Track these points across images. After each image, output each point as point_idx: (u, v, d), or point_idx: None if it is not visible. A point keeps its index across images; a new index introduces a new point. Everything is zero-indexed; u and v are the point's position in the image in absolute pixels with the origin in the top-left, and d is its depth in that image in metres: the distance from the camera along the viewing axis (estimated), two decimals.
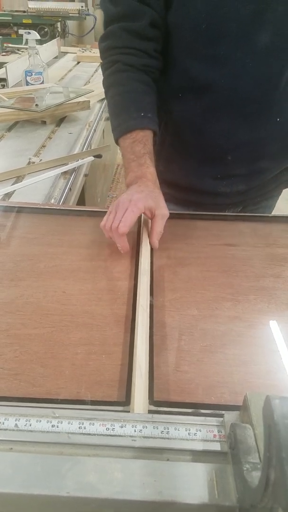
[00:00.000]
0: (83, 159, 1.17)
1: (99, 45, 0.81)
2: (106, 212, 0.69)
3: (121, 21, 0.75)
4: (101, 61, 0.83)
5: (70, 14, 5.11)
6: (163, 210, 0.69)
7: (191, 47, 0.76)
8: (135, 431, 0.36)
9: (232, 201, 0.95)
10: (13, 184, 0.98)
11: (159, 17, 0.74)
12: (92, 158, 1.19)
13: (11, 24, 4.54)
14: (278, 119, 0.81)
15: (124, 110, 0.76)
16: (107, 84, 0.81)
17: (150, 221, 0.71)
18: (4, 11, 4.28)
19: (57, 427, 0.36)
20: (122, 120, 0.76)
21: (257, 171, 0.90)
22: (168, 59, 0.80)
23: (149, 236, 0.70)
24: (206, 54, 0.74)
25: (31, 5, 5.05)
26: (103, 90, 0.85)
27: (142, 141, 0.74)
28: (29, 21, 4.65)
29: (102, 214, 0.81)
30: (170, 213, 0.76)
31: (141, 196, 0.66)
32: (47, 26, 4.92)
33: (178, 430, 0.36)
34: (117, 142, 0.78)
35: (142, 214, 0.77)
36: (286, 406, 0.23)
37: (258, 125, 0.82)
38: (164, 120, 0.86)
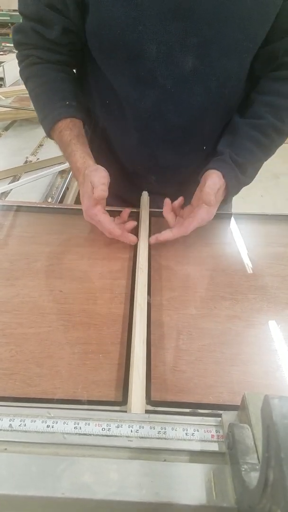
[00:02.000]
0: None
1: (12, 35, 0.75)
2: None
3: (31, 22, 0.69)
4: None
5: None
6: (95, 180, 0.63)
7: (111, 62, 0.69)
8: (131, 431, 0.35)
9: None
10: (10, 183, 0.97)
11: (73, 23, 0.67)
12: None
13: (9, 24, 4.54)
14: (204, 147, 0.79)
15: (47, 101, 0.73)
16: (24, 77, 0.76)
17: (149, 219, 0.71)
18: (2, 10, 4.28)
19: (52, 427, 0.36)
20: (47, 112, 0.72)
21: (185, 193, 0.80)
22: (93, 64, 0.72)
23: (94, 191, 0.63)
24: (126, 71, 0.69)
25: None
26: None
27: (68, 127, 0.71)
28: None
29: None
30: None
31: (86, 203, 0.65)
32: None
33: (176, 430, 0.35)
34: (49, 136, 0.75)
35: (141, 212, 0.78)
36: (285, 406, 0.22)
37: (182, 152, 0.79)
38: (94, 122, 0.82)
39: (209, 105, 0.72)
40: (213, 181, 0.65)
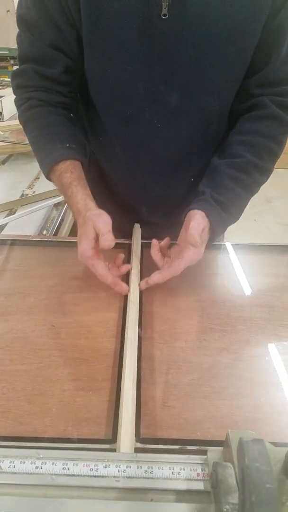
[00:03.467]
0: None
1: (11, 81, 0.77)
2: None
3: (34, 63, 0.70)
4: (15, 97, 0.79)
5: None
6: (98, 224, 0.62)
7: (102, 102, 0.74)
8: (118, 471, 0.36)
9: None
10: (6, 217, 1.00)
11: (75, 64, 0.70)
12: None
13: (8, 58, 4.69)
14: (192, 179, 0.82)
15: (47, 143, 0.72)
16: (23, 120, 0.76)
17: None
18: None
19: (41, 468, 0.36)
20: (46, 154, 0.71)
21: (176, 222, 0.83)
22: (86, 103, 0.78)
23: (100, 240, 0.62)
24: (116, 110, 0.73)
25: None
26: None
27: (68, 170, 0.70)
28: None
29: None
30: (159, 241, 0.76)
31: (80, 249, 0.63)
32: None
33: (162, 469, 0.36)
34: (48, 178, 0.74)
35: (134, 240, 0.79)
36: (258, 449, 0.23)
37: (171, 184, 0.82)
38: (88, 156, 0.85)
39: (195, 138, 0.75)
40: (197, 222, 0.65)
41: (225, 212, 0.69)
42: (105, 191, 0.90)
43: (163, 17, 0.61)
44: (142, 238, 0.83)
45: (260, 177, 0.72)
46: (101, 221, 0.63)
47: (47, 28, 0.66)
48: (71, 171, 0.70)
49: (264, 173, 0.73)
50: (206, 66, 0.66)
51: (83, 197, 0.68)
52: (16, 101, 0.77)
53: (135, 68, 0.66)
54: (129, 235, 0.86)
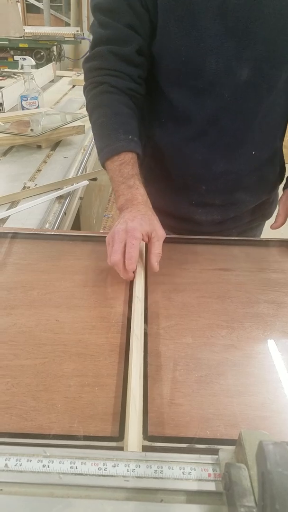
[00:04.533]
0: (78, 183, 1.18)
1: (84, 65, 0.81)
2: (99, 237, 0.69)
3: (109, 44, 0.75)
4: (85, 82, 0.82)
5: (66, 38, 5.24)
6: (158, 232, 0.68)
7: (173, 78, 0.78)
8: (127, 471, 0.35)
9: (208, 230, 0.95)
10: (7, 209, 0.98)
11: (146, 45, 0.75)
12: (87, 182, 1.20)
13: (8, 48, 4.64)
14: (253, 152, 0.85)
15: (112, 132, 0.75)
16: (92, 105, 0.80)
17: (145, 244, 0.71)
18: None
19: (48, 467, 0.35)
20: (110, 142, 0.74)
21: (232, 203, 0.92)
22: (153, 85, 0.82)
23: (148, 259, 0.67)
24: (187, 85, 0.77)
25: (28, 29, 5.16)
26: None
27: (130, 163, 0.73)
28: (26, 45, 4.75)
29: (96, 238, 0.82)
30: (166, 237, 0.76)
31: (135, 225, 0.64)
32: (43, 50, 5.03)
33: (172, 469, 0.35)
34: (103, 164, 0.77)
35: None
36: (279, 453, 0.23)
37: (234, 157, 0.84)
38: (143, 142, 0.86)
39: (261, 111, 0.79)
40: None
41: None
42: (161, 176, 0.92)
43: None
44: (195, 224, 0.91)
45: None
46: (162, 235, 0.68)
47: (122, 10, 0.71)
48: (132, 164, 0.73)
49: None
50: (279, 42, 0.70)
51: (145, 193, 0.72)
52: (86, 85, 0.81)
53: (207, 44, 0.70)
54: (181, 220, 0.93)
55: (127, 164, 0.73)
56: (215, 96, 0.76)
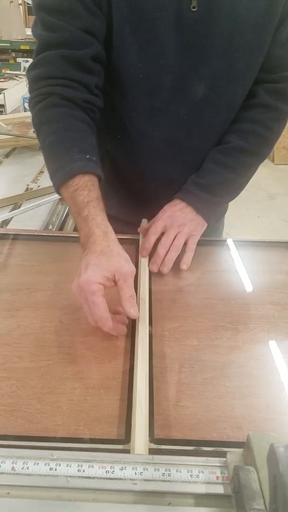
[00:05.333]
0: None
1: (28, 74, 0.68)
2: None
3: (60, 48, 0.63)
4: (30, 94, 0.69)
5: None
6: (122, 271, 0.54)
7: (128, 95, 0.72)
8: (135, 474, 0.35)
9: None
10: (11, 211, 0.98)
11: (103, 52, 0.66)
12: None
13: (9, 50, 4.66)
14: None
15: (64, 151, 0.62)
16: (39, 121, 0.66)
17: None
18: (1, 37, 4.38)
19: (55, 470, 0.35)
20: (62, 164, 0.62)
21: None
22: (108, 100, 0.73)
23: (122, 307, 0.55)
24: (142, 104, 0.73)
25: (29, 32, 5.17)
26: None
27: (86, 186, 0.61)
28: (27, 47, 4.76)
29: None
30: None
31: (88, 275, 0.52)
32: None
33: (180, 472, 0.35)
34: (58, 191, 0.64)
35: (140, 236, 0.78)
36: None
37: (194, 172, 0.81)
38: (101, 154, 0.81)
39: (218, 127, 0.78)
40: (163, 209, 0.75)
41: (206, 192, 0.75)
42: (121, 191, 0.89)
43: (193, 9, 0.62)
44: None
45: (246, 159, 0.77)
46: (127, 273, 0.54)
47: (75, 10, 0.61)
48: (89, 188, 0.61)
49: (252, 155, 0.77)
50: (234, 57, 0.68)
51: (103, 222, 0.58)
52: (32, 98, 0.67)
53: (165, 62, 0.67)
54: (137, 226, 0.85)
55: (82, 189, 0.60)
56: (171, 114, 0.73)
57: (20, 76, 2.65)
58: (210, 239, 0.84)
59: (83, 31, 0.62)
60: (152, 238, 0.72)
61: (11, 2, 3.76)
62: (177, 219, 0.73)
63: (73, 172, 0.61)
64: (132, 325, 0.59)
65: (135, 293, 0.55)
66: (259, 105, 0.75)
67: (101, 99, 0.71)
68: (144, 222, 0.85)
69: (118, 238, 0.58)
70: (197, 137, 0.77)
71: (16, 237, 0.82)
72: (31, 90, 0.67)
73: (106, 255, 0.54)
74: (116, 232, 0.59)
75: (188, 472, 0.35)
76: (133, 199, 0.89)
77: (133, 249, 0.78)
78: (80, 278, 0.52)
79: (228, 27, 0.64)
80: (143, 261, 0.71)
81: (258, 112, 0.75)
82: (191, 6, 0.62)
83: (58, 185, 0.62)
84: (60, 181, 0.62)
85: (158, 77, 0.68)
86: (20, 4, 4.22)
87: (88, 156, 0.62)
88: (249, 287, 0.69)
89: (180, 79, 0.69)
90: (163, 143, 0.78)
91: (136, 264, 0.71)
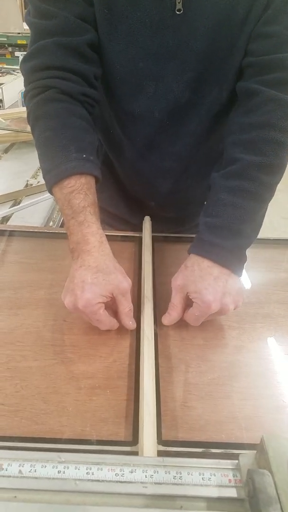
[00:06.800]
0: None
1: (23, 66, 0.63)
2: (106, 235, 0.67)
3: (55, 36, 0.59)
4: (25, 88, 0.65)
5: None
6: (120, 286, 0.53)
7: (112, 99, 0.70)
8: (146, 477, 0.34)
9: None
10: (10, 207, 0.97)
11: (97, 41, 0.63)
12: None
13: (6, 45, 4.60)
14: (200, 170, 0.80)
15: (61, 149, 0.58)
16: (35, 116, 0.62)
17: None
18: None
19: (64, 473, 0.34)
20: (57, 163, 0.58)
21: (186, 215, 0.89)
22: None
23: (119, 320, 0.56)
24: (122, 109, 0.70)
25: (26, 26, 5.10)
26: None
27: (83, 190, 0.57)
28: (24, 42, 4.71)
29: None
30: (171, 236, 0.75)
31: (87, 297, 0.51)
32: None
33: (192, 474, 0.34)
34: (50, 191, 0.60)
35: (143, 234, 0.77)
36: None
37: (180, 178, 0.80)
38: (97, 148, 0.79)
39: (203, 132, 0.73)
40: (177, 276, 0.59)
41: (224, 237, 0.57)
42: (114, 184, 0.88)
43: (177, 12, 0.58)
44: (152, 232, 0.81)
45: (268, 177, 0.59)
46: (125, 288, 0.54)
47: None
48: (85, 192, 0.57)
49: (272, 170, 0.59)
50: (218, 59, 0.63)
51: (98, 231, 0.56)
52: (29, 90, 0.63)
53: (146, 65, 0.63)
54: (137, 228, 0.84)
55: (77, 192, 0.57)
56: (154, 121, 0.70)
57: (17, 71, 2.62)
58: None
59: (78, 18, 0.59)
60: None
61: None
62: (226, 306, 0.54)
63: (68, 172, 0.57)
64: (137, 323, 0.58)
65: (132, 306, 0.56)
66: (263, 103, 0.60)
67: (99, 92, 0.68)
68: (146, 220, 0.84)
69: (115, 236, 0.57)
70: (180, 143, 0.74)
71: (16, 233, 0.81)
72: (27, 82, 0.64)
73: (103, 272, 0.53)
74: (104, 223, 0.58)
75: (199, 475, 0.34)
76: (124, 195, 0.88)
77: (130, 246, 0.77)
78: (77, 299, 0.51)
79: (213, 29, 0.60)
80: (147, 258, 0.70)
81: (264, 113, 0.60)
82: (176, 9, 0.58)
83: (51, 184, 0.59)
84: (53, 180, 0.58)
85: (139, 81, 0.65)
86: None
87: (85, 156, 0.59)
88: (254, 286, 0.69)
89: (164, 85, 0.65)
90: (145, 149, 0.75)
91: (139, 263, 0.70)
